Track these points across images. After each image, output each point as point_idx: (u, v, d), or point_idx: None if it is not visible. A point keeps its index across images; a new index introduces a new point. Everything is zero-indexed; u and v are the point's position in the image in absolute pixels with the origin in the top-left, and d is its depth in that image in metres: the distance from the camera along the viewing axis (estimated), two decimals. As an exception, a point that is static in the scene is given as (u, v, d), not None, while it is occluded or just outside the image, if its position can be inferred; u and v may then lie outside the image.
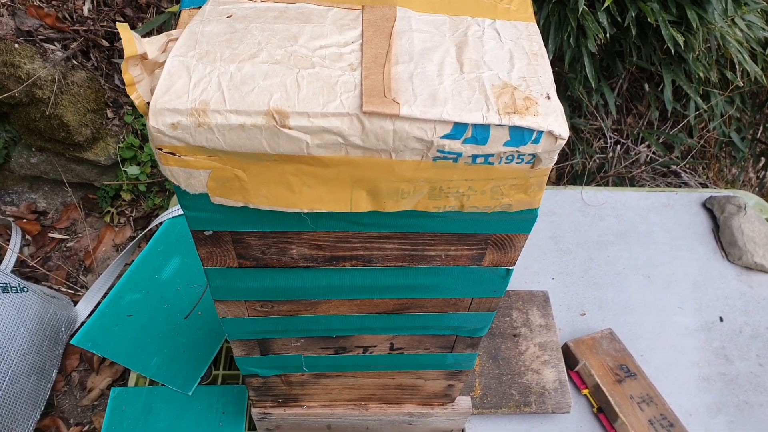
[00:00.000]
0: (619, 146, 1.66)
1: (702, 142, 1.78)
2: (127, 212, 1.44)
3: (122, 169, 1.39)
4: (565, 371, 1.08)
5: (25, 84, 1.24)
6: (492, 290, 0.63)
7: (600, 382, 1.05)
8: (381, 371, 0.81)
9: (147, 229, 1.23)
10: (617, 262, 1.27)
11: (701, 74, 1.41)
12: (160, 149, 0.45)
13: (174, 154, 0.45)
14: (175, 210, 1.28)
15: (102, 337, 1.10)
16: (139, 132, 1.41)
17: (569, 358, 1.10)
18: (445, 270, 0.60)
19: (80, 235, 1.43)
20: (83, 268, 1.39)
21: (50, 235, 1.43)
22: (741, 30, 1.40)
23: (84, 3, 1.31)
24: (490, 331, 1.12)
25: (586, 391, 1.08)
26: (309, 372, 0.80)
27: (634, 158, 1.67)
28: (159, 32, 1.40)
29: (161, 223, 1.28)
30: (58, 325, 1.23)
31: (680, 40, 1.31)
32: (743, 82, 1.55)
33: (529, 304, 1.16)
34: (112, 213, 1.44)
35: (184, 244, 1.24)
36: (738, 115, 1.77)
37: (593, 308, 1.20)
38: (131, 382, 1.07)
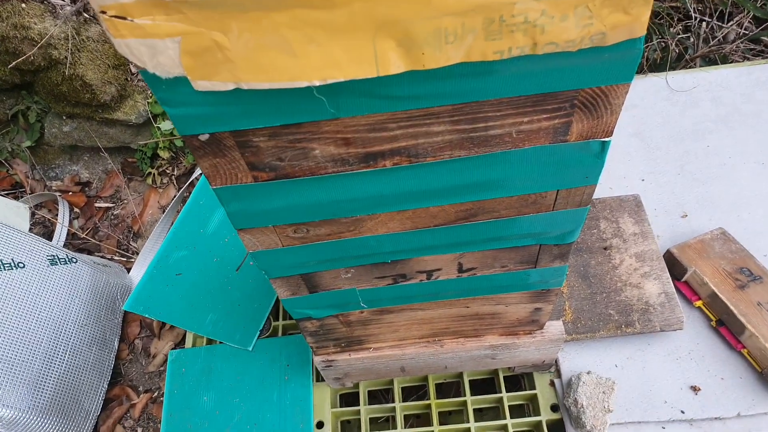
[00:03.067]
0: (704, 24, 1.41)
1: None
2: (168, 171, 1.37)
3: (155, 125, 1.31)
4: (671, 283, 0.92)
5: (39, 45, 1.16)
6: (583, 176, 0.49)
7: (717, 290, 0.89)
8: (452, 299, 0.69)
9: (187, 183, 1.15)
10: (721, 152, 1.07)
11: None
12: (104, 12, 0.32)
13: (125, 18, 0.33)
14: (212, 159, 1.18)
15: (153, 300, 1.04)
16: (165, 83, 1.31)
17: (674, 267, 0.94)
18: (517, 155, 0.46)
19: (125, 201, 1.37)
20: (132, 234, 1.34)
21: (96, 204, 1.38)
22: None
23: (85, -52, 1.21)
24: (576, 246, 0.97)
25: (699, 303, 0.92)
26: (369, 308, 0.69)
27: (723, 35, 1.41)
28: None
29: (201, 174, 1.19)
30: (113, 293, 1.18)
31: None
32: None
33: (619, 212, 1.00)
34: (154, 174, 1.36)
35: (226, 194, 1.15)
36: None
37: (696, 208, 1.02)
38: (188, 342, 1.01)
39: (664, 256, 0.95)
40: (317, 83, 0.36)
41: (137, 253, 1.29)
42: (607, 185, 1.06)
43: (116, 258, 1.30)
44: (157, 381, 1.17)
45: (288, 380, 0.94)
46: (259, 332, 0.98)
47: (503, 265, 0.62)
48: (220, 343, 0.99)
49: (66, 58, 1.18)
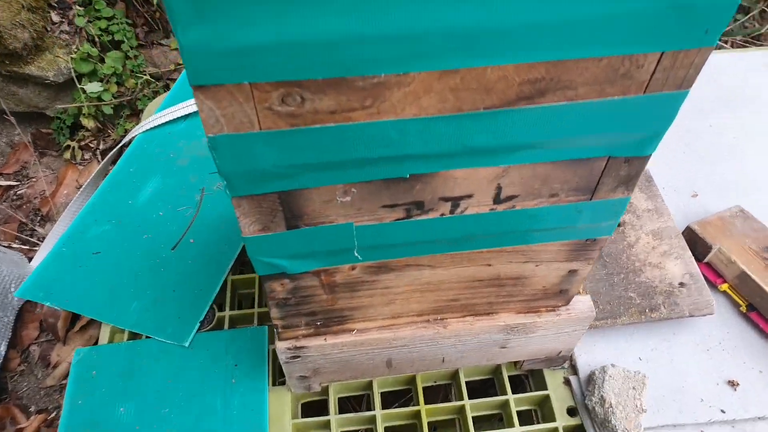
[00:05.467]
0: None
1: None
2: (91, 145, 1.14)
3: (79, 87, 1.09)
4: (695, 262, 0.79)
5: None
6: (702, 28, 0.34)
7: (747, 268, 0.77)
8: (474, 250, 0.52)
9: (115, 149, 0.94)
10: (725, 132, 0.98)
11: None
12: None
13: None
14: (148, 122, 0.98)
15: (58, 284, 0.81)
16: (96, 39, 1.10)
17: (696, 245, 0.81)
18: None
19: (34, 179, 1.13)
20: (40, 217, 1.09)
21: (-5, 183, 1.13)
22: None
23: None
24: (585, 223, 0.83)
25: (725, 287, 0.80)
26: (364, 261, 0.51)
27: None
28: None
29: (131, 140, 0.98)
30: (4, 286, 0.94)
31: None
32: None
33: (629, 185, 0.87)
34: (73, 148, 1.14)
35: (164, 161, 0.94)
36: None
37: (706, 188, 0.92)
38: (103, 338, 0.78)
39: (683, 233, 0.83)
40: None
41: (44, 240, 1.05)
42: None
43: (14, 246, 1.05)
44: (57, 398, 0.92)
45: (236, 383, 0.73)
46: (199, 324, 0.77)
47: (552, 193, 0.46)
48: (147, 338, 0.77)
49: (-35, -9, 0.95)
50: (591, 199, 0.48)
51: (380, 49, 0.33)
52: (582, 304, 0.64)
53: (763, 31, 1.51)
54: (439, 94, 0.36)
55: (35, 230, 1.07)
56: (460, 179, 0.44)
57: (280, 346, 0.61)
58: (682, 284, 0.77)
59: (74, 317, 0.96)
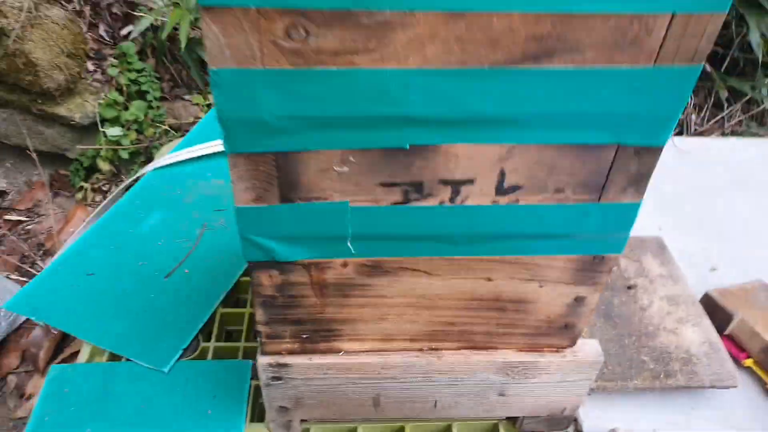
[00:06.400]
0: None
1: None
2: (104, 188, 1.16)
3: (101, 130, 1.13)
4: (715, 331, 0.74)
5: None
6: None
7: (772, 341, 0.71)
8: (474, 256, 0.49)
9: (125, 183, 0.95)
10: (743, 211, 0.97)
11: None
12: None
13: None
14: (161, 161, 1.00)
15: (47, 300, 0.78)
16: (124, 88, 1.15)
17: (714, 315, 0.77)
18: None
19: (44, 215, 1.13)
20: (42, 251, 1.08)
21: (6, 217, 1.14)
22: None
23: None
24: (596, 283, 0.79)
25: (749, 362, 0.74)
26: (357, 257, 0.49)
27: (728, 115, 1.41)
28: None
29: (142, 176, 0.99)
30: (-6, 308, 0.91)
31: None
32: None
33: (640, 250, 0.84)
34: (86, 189, 1.15)
35: (170, 197, 0.94)
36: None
37: (725, 262, 0.88)
38: (82, 357, 0.74)
39: (700, 301, 0.78)
40: None
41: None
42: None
43: (13, 277, 1.03)
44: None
45: (212, 415, 0.67)
46: (181, 352, 0.73)
47: (558, 187, 0.45)
48: (127, 360, 0.72)
49: (14, 29, 1.02)
50: (599, 200, 0.46)
51: (387, -20, 0.33)
52: (589, 347, 0.59)
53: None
54: (445, 43, 0.36)
55: (36, 263, 1.06)
56: (462, 157, 0.42)
57: (262, 361, 0.57)
58: (699, 353, 0.71)
59: (57, 350, 0.92)
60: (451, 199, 0.45)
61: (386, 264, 0.50)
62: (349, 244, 0.47)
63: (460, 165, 0.43)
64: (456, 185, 0.44)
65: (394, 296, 0.53)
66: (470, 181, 0.44)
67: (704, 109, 1.56)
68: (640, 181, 0.45)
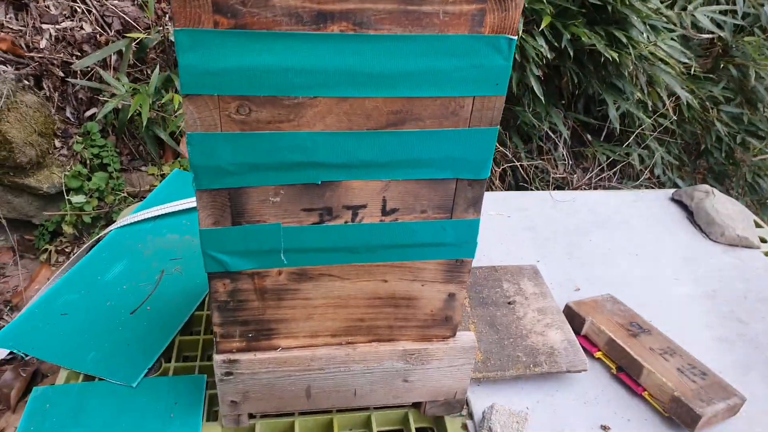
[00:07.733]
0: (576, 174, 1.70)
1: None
2: (67, 250, 1.30)
3: (66, 198, 1.29)
4: (573, 333, 0.96)
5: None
6: (494, 82, 0.58)
7: (613, 336, 0.94)
8: (372, 263, 0.69)
9: (86, 245, 1.10)
10: (601, 245, 1.22)
11: (637, 94, 1.52)
12: None
13: None
14: (124, 220, 1.16)
15: (29, 336, 0.91)
16: (88, 161, 1.33)
17: (573, 320, 0.99)
18: (441, 43, 0.55)
19: (10, 276, 1.26)
20: (9, 307, 1.20)
21: (-28, 279, 1.25)
22: (664, 51, 1.54)
23: (42, 38, 1.32)
24: (482, 301, 1.00)
25: (599, 354, 0.96)
26: (288, 266, 0.68)
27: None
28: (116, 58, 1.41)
29: (107, 234, 1.15)
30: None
31: (614, 55, 1.43)
32: (671, 108, 1.66)
33: (519, 276, 1.07)
34: (50, 251, 1.29)
35: (132, 250, 1.11)
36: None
37: (586, 284, 1.12)
38: (60, 380, 0.87)
39: (563, 311, 1.00)
40: None
41: (9, 324, 1.15)
42: (505, 263, 1.14)
43: (-19, 330, 1.14)
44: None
45: (174, 418, 0.82)
46: (147, 370, 0.88)
47: (423, 209, 0.66)
48: (100, 380, 0.86)
49: (-6, 114, 1.19)
50: (451, 217, 0.67)
51: (299, 80, 0.55)
52: (466, 336, 0.79)
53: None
54: (337, 115, 0.58)
55: (3, 317, 1.17)
56: (356, 189, 0.63)
57: (218, 359, 0.74)
58: (560, 348, 0.93)
59: (27, 390, 1.03)
60: (352, 219, 0.65)
61: (310, 271, 0.69)
62: (282, 256, 0.67)
63: (356, 195, 0.64)
64: (355, 209, 0.65)
65: (318, 298, 0.72)
66: (364, 206, 0.65)
67: (589, 170, 1.86)
68: (476, 203, 0.67)
